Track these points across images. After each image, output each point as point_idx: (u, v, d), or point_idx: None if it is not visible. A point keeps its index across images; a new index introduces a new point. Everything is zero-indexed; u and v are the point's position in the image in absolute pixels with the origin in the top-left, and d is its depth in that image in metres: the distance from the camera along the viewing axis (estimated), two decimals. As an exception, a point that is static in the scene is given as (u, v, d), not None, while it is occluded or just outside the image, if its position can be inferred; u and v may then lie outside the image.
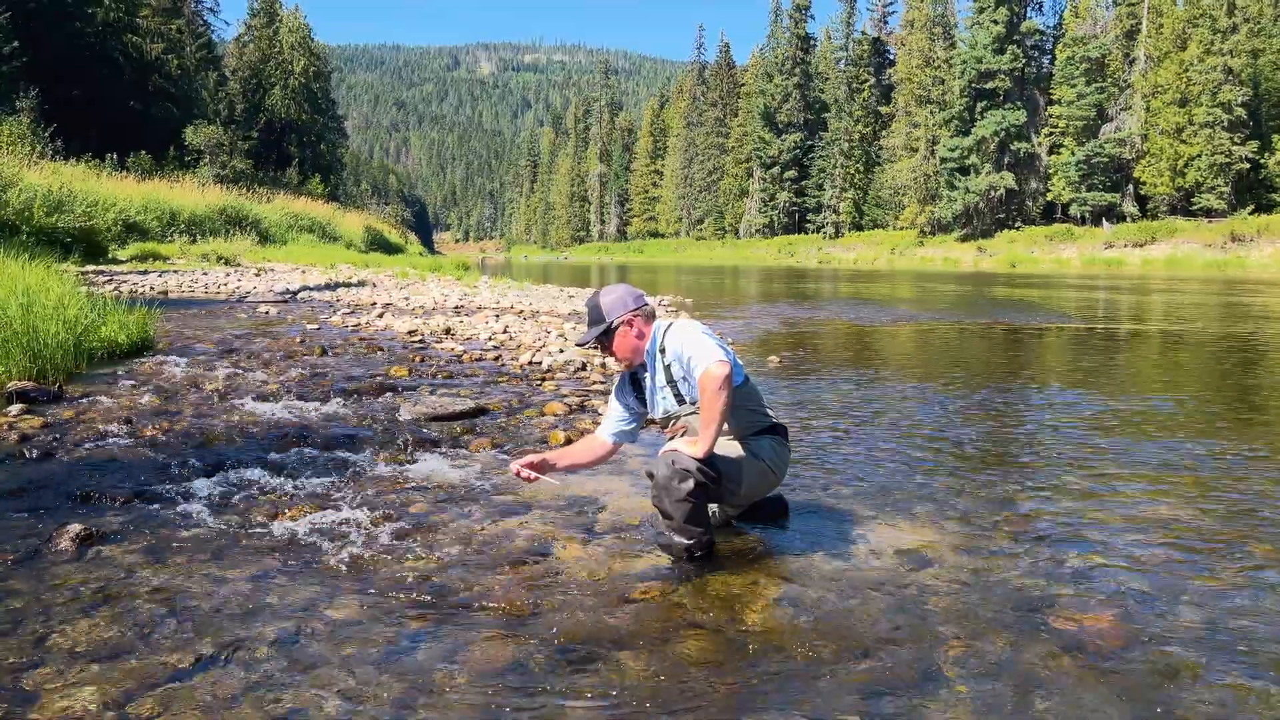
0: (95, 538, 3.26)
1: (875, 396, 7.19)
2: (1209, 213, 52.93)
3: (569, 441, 5.02)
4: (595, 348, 3.50)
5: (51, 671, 2.34)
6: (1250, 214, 50.37)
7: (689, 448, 3.20)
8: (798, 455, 4.96)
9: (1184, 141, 54.00)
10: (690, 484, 3.15)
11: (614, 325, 3.43)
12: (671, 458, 3.19)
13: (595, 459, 3.71)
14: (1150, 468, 4.83)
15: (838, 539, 3.56)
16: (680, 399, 3.42)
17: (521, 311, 13.22)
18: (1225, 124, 52.07)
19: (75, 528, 3.27)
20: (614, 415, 3.65)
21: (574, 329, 10.40)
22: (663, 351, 3.41)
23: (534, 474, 3.47)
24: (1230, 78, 52.10)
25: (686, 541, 3.24)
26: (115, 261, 20.83)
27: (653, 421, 3.67)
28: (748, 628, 2.74)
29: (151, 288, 15.43)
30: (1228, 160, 52.07)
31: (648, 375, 3.52)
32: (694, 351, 3.26)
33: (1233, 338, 12.30)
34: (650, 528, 3.56)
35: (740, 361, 3.52)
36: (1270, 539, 3.65)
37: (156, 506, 3.67)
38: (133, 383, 6.31)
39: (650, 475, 3.28)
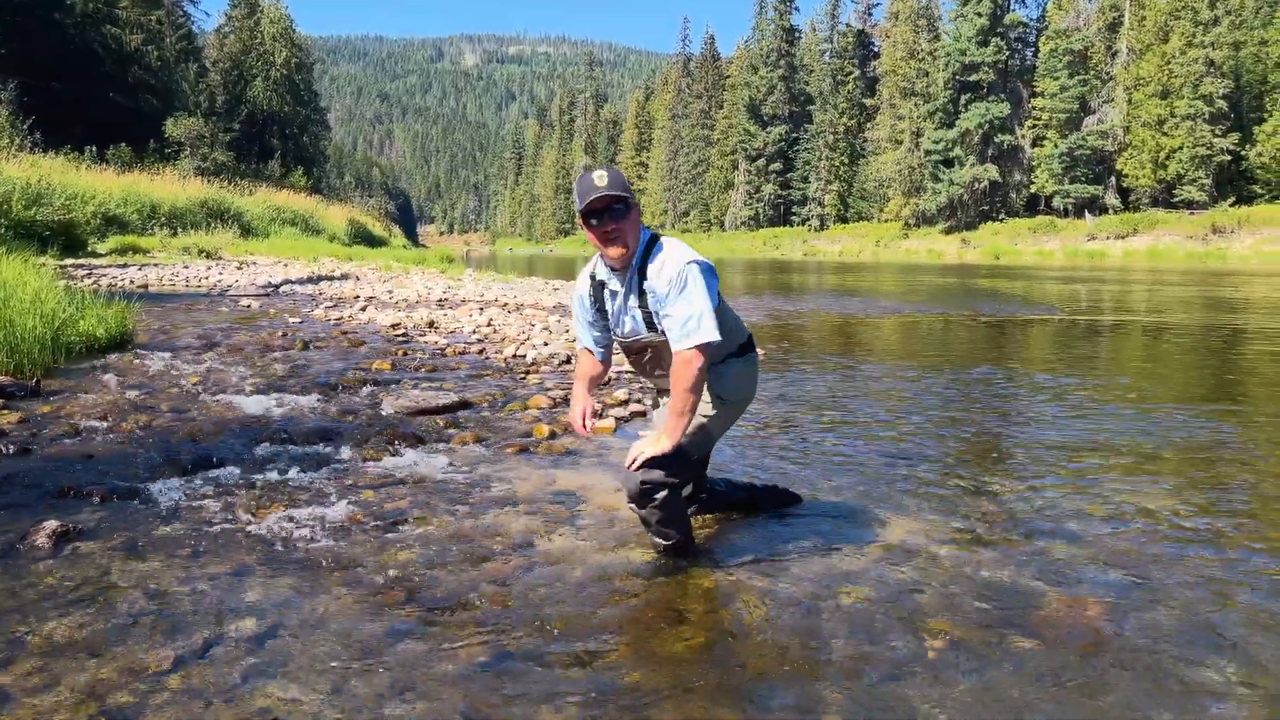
0: (72, 534, 3.22)
1: (860, 389, 7.20)
2: (1190, 205, 53.33)
3: (553, 435, 5.01)
4: (608, 212, 2.98)
5: (28, 669, 2.31)
6: (1231, 206, 50.80)
7: (655, 445, 2.98)
8: (784, 449, 4.96)
9: (1165, 134, 54.38)
10: (663, 494, 3.04)
11: (634, 203, 3.07)
12: (640, 476, 3.02)
13: (599, 377, 3.48)
14: (1133, 458, 4.85)
15: (823, 531, 3.55)
16: (652, 325, 3.09)
17: (506, 305, 13.17)
18: (1206, 116, 52.46)
19: (52, 524, 3.23)
20: (583, 335, 3.41)
21: (559, 322, 10.36)
22: (643, 273, 3.05)
23: (590, 424, 3.37)
24: (1212, 70, 52.47)
25: (664, 543, 3.19)
26: (95, 255, 20.63)
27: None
28: (733, 621, 2.73)
29: (131, 281, 15.28)
30: (1209, 152, 52.48)
31: (619, 285, 3.15)
32: (677, 311, 2.94)
33: (1213, 328, 12.38)
34: (633, 523, 3.55)
35: (716, 272, 3.18)
36: (1252, 529, 3.67)
37: (134, 502, 3.63)
38: (111, 377, 6.24)
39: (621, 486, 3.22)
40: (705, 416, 3.21)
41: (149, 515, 3.49)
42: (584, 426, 3.36)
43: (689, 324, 2.93)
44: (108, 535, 3.26)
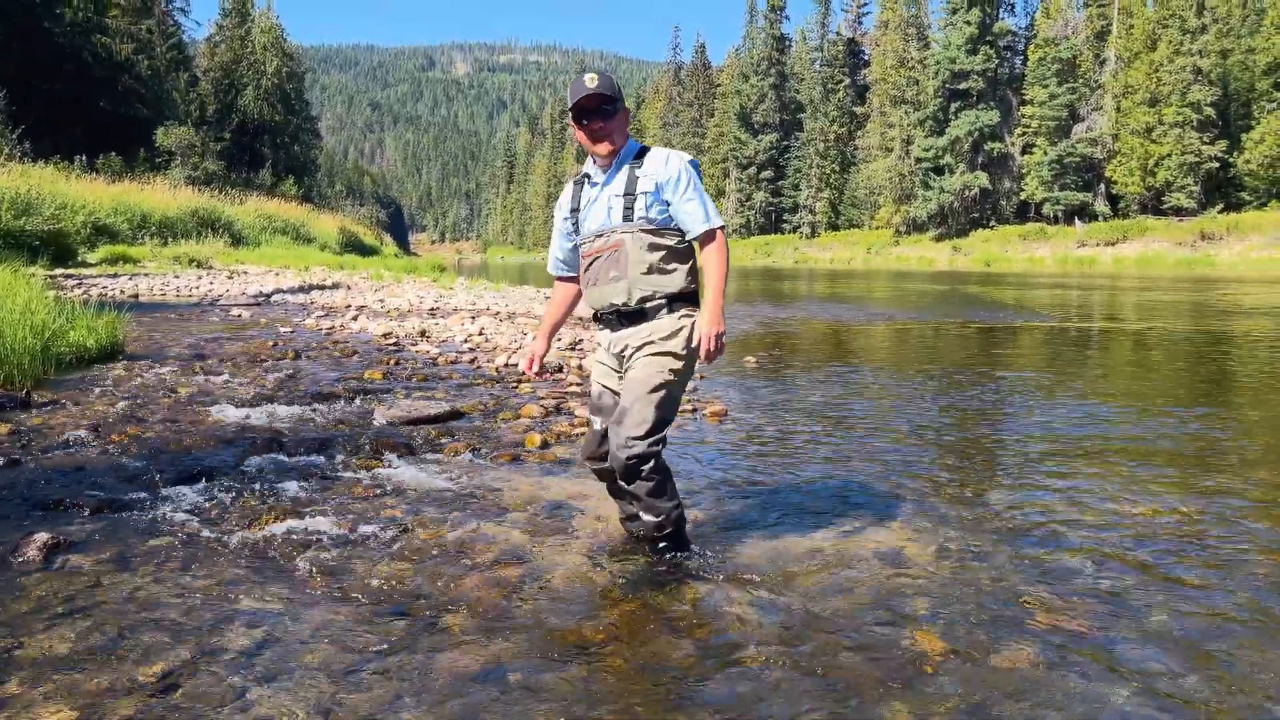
0: (63, 546, 3.21)
1: (852, 396, 7.21)
2: (1179, 211, 53.62)
3: (545, 444, 5.01)
4: (596, 112, 3.09)
5: (19, 683, 2.30)
6: (1219, 213, 51.09)
7: (715, 323, 3.02)
8: (777, 457, 4.97)
9: (1154, 141, 54.68)
10: (650, 464, 3.07)
11: (622, 106, 3.17)
12: (625, 452, 3.03)
13: (571, 305, 3.55)
14: (1124, 464, 4.87)
15: (816, 539, 3.56)
16: (629, 215, 3.11)
17: (498, 313, 13.17)
18: (1194, 124, 52.78)
19: (43, 536, 3.22)
20: (559, 248, 3.46)
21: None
22: (638, 162, 3.15)
23: (538, 367, 3.46)
24: (1199, 78, 52.80)
25: (655, 519, 3.18)
26: (85, 265, 20.56)
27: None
28: (725, 630, 2.74)
29: (122, 291, 15.23)
30: (1197, 159, 52.78)
31: (601, 177, 3.21)
32: (694, 197, 3.09)
33: (1203, 334, 12.44)
34: (620, 529, 3.55)
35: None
36: (1242, 532, 3.69)
37: (126, 514, 3.62)
38: (102, 388, 6.23)
39: (604, 437, 3.22)
40: (673, 373, 3.13)
41: (140, 527, 3.48)
42: (530, 368, 3.45)
43: (709, 209, 3.12)
44: (99, 547, 3.25)
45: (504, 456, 4.71)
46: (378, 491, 4.05)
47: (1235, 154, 52.60)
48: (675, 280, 3.14)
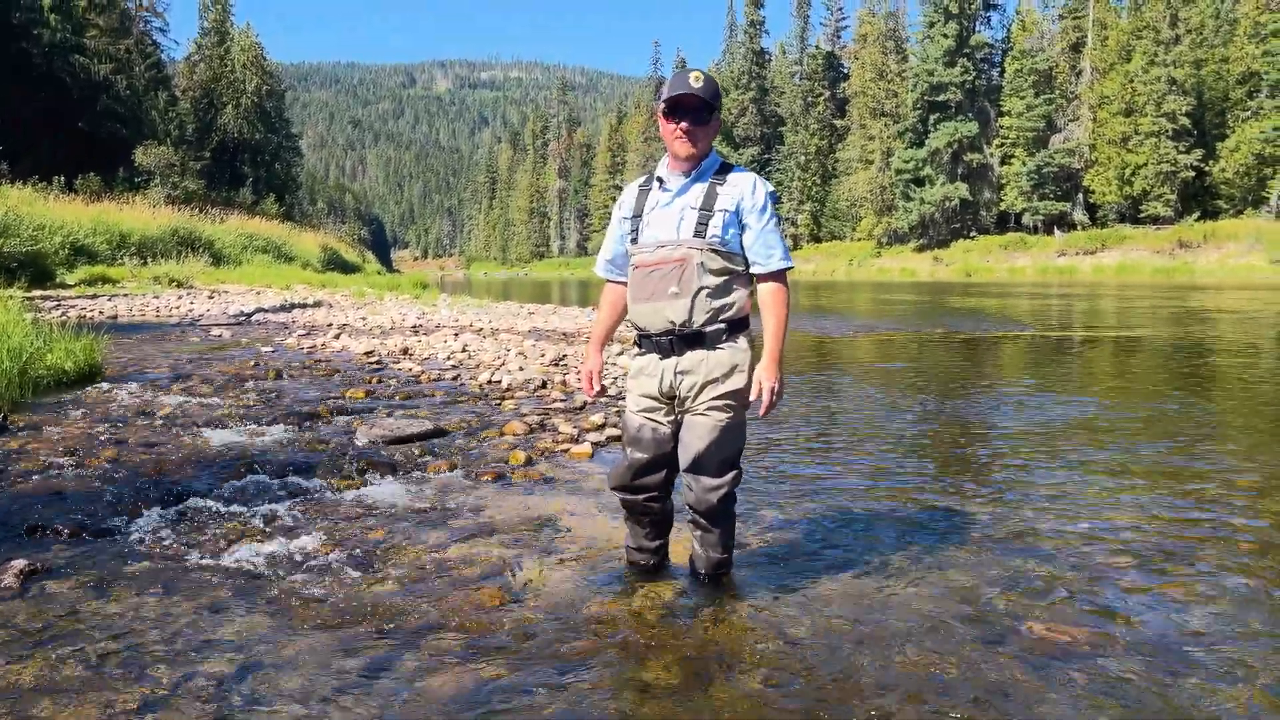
0: (40, 572, 3.17)
1: (836, 408, 7.22)
2: (1156, 220, 54.22)
3: (529, 461, 4.98)
4: (691, 112, 2.94)
5: (-8, 715, 2.26)
6: (1196, 220, 51.66)
7: (773, 374, 2.96)
8: (761, 471, 4.97)
9: (1130, 150, 55.32)
10: (732, 502, 3.08)
11: (718, 115, 3.04)
12: (716, 492, 2.99)
13: (623, 310, 3.29)
14: (1109, 474, 4.89)
15: (802, 555, 3.55)
16: (701, 231, 2.95)
17: (481, 330, 13.13)
18: (1170, 133, 53.44)
19: (19, 563, 3.17)
20: (612, 249, 3.27)
21: (534, 346, 10.35)
22: (720, 178, 3.00)
23: (599, 386, 3.28)
24: (1174, 88, 53.48)
25: (721, 556, 3.16)
26: (63, 286, 20.39)
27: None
28: (713, 648, 2.72)
29: (101, 312, 15.12)
30: (1173, 169, 53.42)
31: (676, 185, 3.03)
32: (773, 229, 3.00)
33: (1183, 341, 12.54)
34: (610, 548, 3.53)
35: None
36: (1226, 544, 3.71)
37: (104, 539, 3.57)
38: (80, 411, 6.16)
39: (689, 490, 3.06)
40: (740, 406, 3.04)
41: (119, 552, 3.44)
42: (591, 387, 3.27)
43: (785, 246, 3.06)
44: (77, 573, 3.21)
45: (488, 474, 4.69)
46: (360, 512, 4.02)
47: (1211, 163, 53.25)
48: (735, 305, 3.01)
